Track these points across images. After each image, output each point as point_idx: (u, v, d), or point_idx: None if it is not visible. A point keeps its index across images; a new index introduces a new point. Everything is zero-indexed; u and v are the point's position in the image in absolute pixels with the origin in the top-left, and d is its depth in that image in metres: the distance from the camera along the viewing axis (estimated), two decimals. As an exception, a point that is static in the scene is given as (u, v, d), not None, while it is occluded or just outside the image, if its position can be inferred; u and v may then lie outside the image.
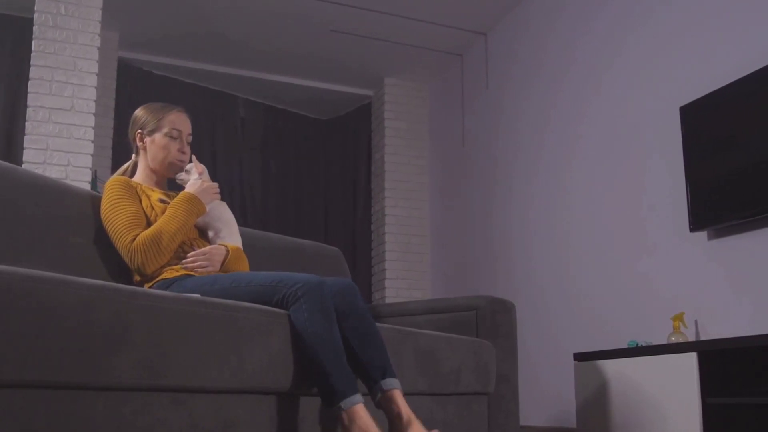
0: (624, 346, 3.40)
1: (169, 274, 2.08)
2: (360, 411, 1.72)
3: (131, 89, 5.31)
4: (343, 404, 1.71)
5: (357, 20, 4.98)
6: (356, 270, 5.76)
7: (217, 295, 1.87)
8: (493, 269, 4.84)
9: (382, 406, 1.84)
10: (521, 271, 4.54)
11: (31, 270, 1.32)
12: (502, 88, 4.96)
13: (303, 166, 6.21)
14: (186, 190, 2.25)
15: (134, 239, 2.05)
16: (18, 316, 1.27)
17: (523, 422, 4.01)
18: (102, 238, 2.13)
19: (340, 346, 1.78)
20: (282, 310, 1.80)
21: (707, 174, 3.17)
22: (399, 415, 1.80)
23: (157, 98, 5.38)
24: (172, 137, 2.29)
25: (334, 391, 1.72)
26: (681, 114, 3.32)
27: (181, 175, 2.32)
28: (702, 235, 3.24)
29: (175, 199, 2.22)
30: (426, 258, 5.63)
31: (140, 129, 2.32)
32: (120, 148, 5.19)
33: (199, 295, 1.69)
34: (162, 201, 2.22)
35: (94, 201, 2.21)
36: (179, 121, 2.32)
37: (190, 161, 2.34)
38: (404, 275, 5.43)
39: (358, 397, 1.74)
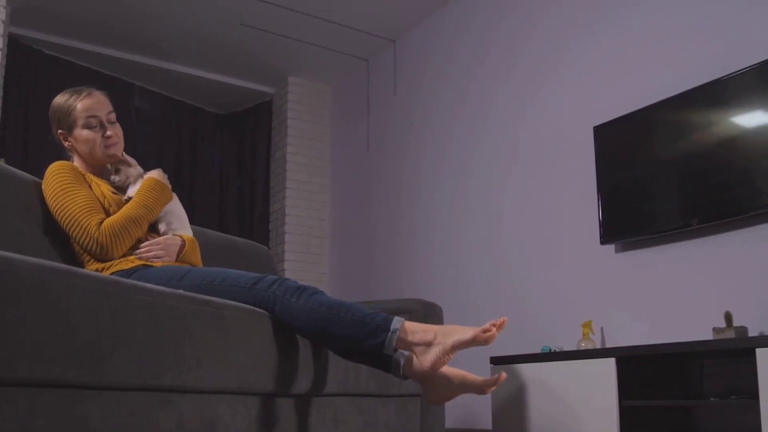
0: (536, 351, 3.55)
1: (124, 265, 1.99)
2: (410, 323, 1.70)
3: (20, 68, 4.96)
4: (393, 327, 1.68)
5: (267, 16, 4.91)
6: (252, 269, 5.66)
7: (188, 291, 1.80)
8: (396, 273, 4.92)
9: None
10: (424, 275, 4.64)
11: (41, 259, 1.23)
12: (410, 95, 5.05)
13: (198, 160, 6.04)
14: (151, 175, 2.16)
15: (101, 223, 1.96)
16: (30, 310, 1.18)
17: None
18: (52, 226, 2.01)
19: (346, 301, 1.76)
20: (262, 311, 1.76)
21: (617, 191, 3.39)
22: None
23: (47, 79, 5.12)
24: (91, 127, 2.15)
25: (378, 327, 1.68)
26: (594, 133, 3.52)
27: (115, 178, 2.20)
28: (610, 248, 3.45)
29: (144, 185, 2.15)
30: (324, 260, 5.63)
31: (59, 129, 2.18)
32: (7, 129, 4.84)
33: (182, 291, 1.63)
34: (114, 193, 2.13)
35: (39, 188, 2.07)
36: (91, 106, 2.15)
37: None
38: (303, 276, 5.39)
39: (398, 317, 1.72)
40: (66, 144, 2.19)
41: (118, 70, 5.57)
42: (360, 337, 1.69)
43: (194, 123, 6.10)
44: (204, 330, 1.54)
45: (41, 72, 5.14)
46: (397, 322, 1.69)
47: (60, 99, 2.17)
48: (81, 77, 5.29)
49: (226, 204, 6.05)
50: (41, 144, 4.97)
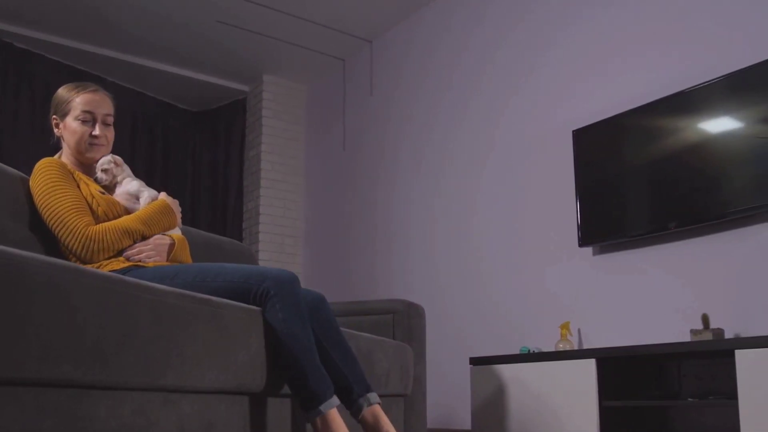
0: (513, 352, 3.58)
1: (116, 265, 1.96)
2: (335, 415, 1.72)
3: (-11, 60, 4.86)
4: (322, 407, 1.70)
5: (244, 13, 4.87)
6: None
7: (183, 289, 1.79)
8: (370, 273, 4.92)
9: (366, 420, 1.85)
10: (399, 276, 4.65)
11: (51, 258, 1.21)
12: (387, 96, 5.06)
13: (171, 158, 5.97)
14: (164, 198, 2.20)
15: (89, 225, 1.93)
16: (39, 308, 1.16)
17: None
18: (39, 223, 1.97)
19: (315, 348, 1.77)
20: (257, 307, 1.75)
21: (596, 194, 3.44)
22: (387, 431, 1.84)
23: (16, 72, 5.02)
24: (83, 120, 2.13)
25: (313, 394, 1.71)
26: (573, 137, 3.56)
27: (100, 176, 2.17)
28: (589, 250, 3.50)
29: (154, 204, 2.16)
30: (298, 259, 5.60)
31: (54, 114, 2.18)
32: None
33: (181, 290, 1.61)
34: (102, 193, 2.10)
35: (26, 183, 2.03)
36: (90, 102, 2.14)
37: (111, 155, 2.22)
38: (276, 276, 5.36)
39: (335, 400, 1.74)
40: (56, 132, 2.18)
41: (89, 65, 5.48)
42: (296, 384, 1.74)
43: (167, 120, 6.03)
44: (204, 329, 1.53)
45: (11, 65, 5.04)
46: (327, 406, 1.71)
47: (64, 88, 2.18)
48: (52, 71, 5.21)
49: (199, 202, 5.99)
50: (12, 138, 4.87)
